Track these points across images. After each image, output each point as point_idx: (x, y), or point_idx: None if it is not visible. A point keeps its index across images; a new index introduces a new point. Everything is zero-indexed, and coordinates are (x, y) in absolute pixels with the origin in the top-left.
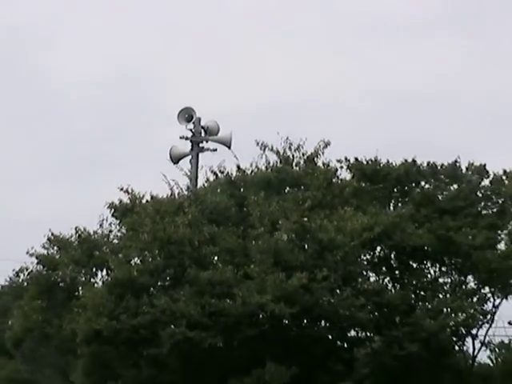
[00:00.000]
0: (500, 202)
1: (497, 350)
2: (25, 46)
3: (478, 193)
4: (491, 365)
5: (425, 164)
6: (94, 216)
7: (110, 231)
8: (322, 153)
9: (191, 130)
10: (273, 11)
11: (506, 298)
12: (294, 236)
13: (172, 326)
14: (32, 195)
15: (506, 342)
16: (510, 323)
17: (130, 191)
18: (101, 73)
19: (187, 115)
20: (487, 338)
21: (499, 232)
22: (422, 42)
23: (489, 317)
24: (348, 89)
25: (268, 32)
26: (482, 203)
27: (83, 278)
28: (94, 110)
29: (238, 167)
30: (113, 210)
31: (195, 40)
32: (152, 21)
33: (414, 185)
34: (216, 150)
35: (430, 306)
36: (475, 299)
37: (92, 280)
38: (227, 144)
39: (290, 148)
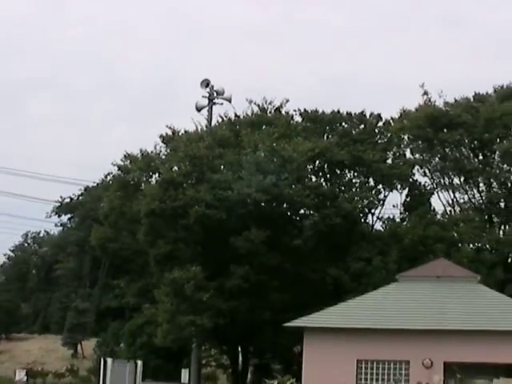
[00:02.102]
0: (388, 135)
1: (385, 222)
2: None
3: (376, 130)
4: (382, 230)
5: (345, 113)
6: (151, 143)
7: (160, 151)
8: (285, 105)
9: (208, 92)
10: None
11: (392, 191)
12: (267, 154)
13: (196, 207)
14: (118, 130)
15: (391, 217)
16: None
17: (172, 127)
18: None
19: (206, 83)
20: (380, 215)
21: (387, 153)
22: None
23: (381, 202)
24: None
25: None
26: (378, 136)
27: (144, 179)
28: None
29: (235, 114)
30: (162, 139)
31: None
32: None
33: (338, 125)
34: (222, 103)
35: (346, 196)
36: (373, 192)
37: (150, 180)
38: (229, 100)
39: (266, 102)
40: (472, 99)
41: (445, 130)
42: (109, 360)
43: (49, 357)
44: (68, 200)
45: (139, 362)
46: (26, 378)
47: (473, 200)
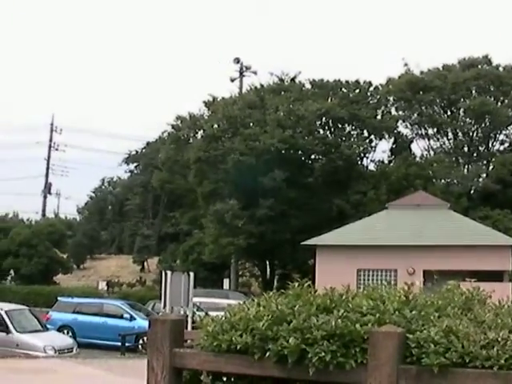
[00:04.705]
0: (377, 97)
1: (377, 163)
2: None
3: (368, 93)
4: (374, 170)
5: (344, 81)
6: (196, 107)
7: (203, 113)
8: (298, 76)
9: (240, 67)
10: None
11: (381, 140)
12: (285, 113)
13: (232, 155)
14: (172, 97)
15: (381, 160)
16: None
17: (212, 95)
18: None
19: (237, 60)
20: (372, 158)
21: (377, 111)
22: None
23: (373, 149)
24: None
25: None
26: (370, 98)
27: (192, 134)
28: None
29: (260, 83)
30: (205, 104)
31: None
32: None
33: (339, 90)
34: (250, 75)
35: (347, 144)
36: (367, 141)
37: (196, 135)
38: (255, 73)
39: (283, 74)
40: (441, 68)
41: (421, 93)
42: (169, 272)
43: (123, 271)
44: (134, 152)
45: (191, 274)
46: (106, 287)
47: (443, 146)
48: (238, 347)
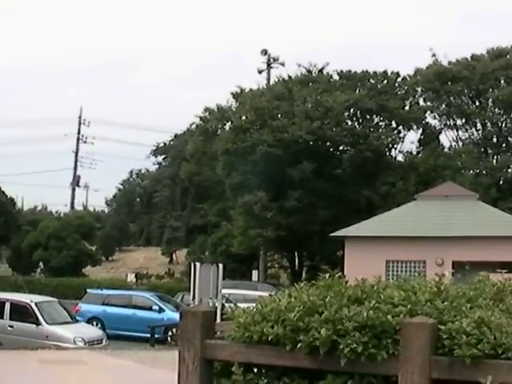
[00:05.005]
0: (405, 88)
1: (405, 154)
2: None
3: (396, 84)
4: (403, 161)
5: (371, 72)
6: (224, 99)
7: (231, 105)
8: (326, 67)
9: (267, 58)
10: None
11: (409, 131)
12: (313, 104)
13: (260, 146)
14: (198, 90)
15: (409, 151)
16: None
17: (240, 86)
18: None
19: (264, 52)
20: (401, 149)
21: (405, 101)
22: None
23: (401, 140)
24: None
25: None
26: (397, 89)
27: (220, 126)
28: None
29: (288, 75)
30: (232, 95)
31: None
32: None
33: (367, 81)
34: (278, 67)
35: (375, 135)
36: (395, 132)
37: (224, 127)
38: (283, 64)
39: (311, 65)
40: (470, 59)
41: (449, 83)
42: (198, 264)
43: (151, 263)
44: (162, 144)
45: (220, 266)
46: (135, 279)
47: (472, 137)
48: (270, 338)
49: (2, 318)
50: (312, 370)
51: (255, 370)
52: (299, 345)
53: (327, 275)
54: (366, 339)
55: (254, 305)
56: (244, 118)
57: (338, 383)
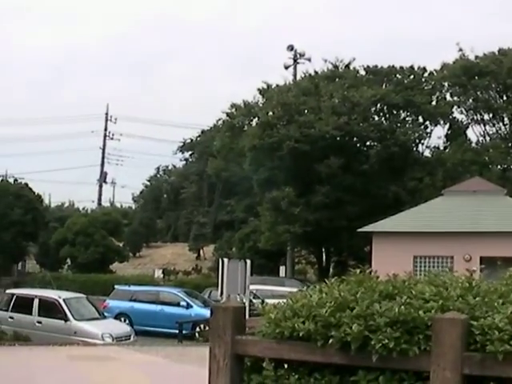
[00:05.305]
0: (432, 83)
1: (432, 150)
2: None
3: (422, 79)
4: (430, 156)
5: (398, 67)
6: (251, 95)
7: (258, 101)
8: (352, 62)
9: (294, 54)
10: None
11: (436, 126)
12: (340, 100)
13: (287, 142)
14: (226, 86)
15: (437, 146)
16: None
17: (266, 82)
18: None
19: (291, 47)
20: (428, 144)
21: (432, 96)
22: None
23: (428, 135)
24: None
25: None
26: (424, 84)
27: (246, 122)
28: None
29: (314, 70)
30: (259, 91)
31: None
32: None
33: (393, 76)
34: (304, 63)
35: (402, 130)
36: (422, 127)
37: (251, 123)
38: (309, 60)
39: (338, 61)
40: (497, 53)
41: (476, 78)
42: (225, 260)
43: (179, 259)
44: (189, 140)
45: (248, 261)
46: (162, 275)
47: (499, 131)
48: (301, 334)
49: (31, 314)
50: (343, 365)
51: (286, 366)
52: (330, 340)
53: (358, 271)
54: (397, 335)
55: (281, 300)
56: (271, 113)
57: (369, 379)
